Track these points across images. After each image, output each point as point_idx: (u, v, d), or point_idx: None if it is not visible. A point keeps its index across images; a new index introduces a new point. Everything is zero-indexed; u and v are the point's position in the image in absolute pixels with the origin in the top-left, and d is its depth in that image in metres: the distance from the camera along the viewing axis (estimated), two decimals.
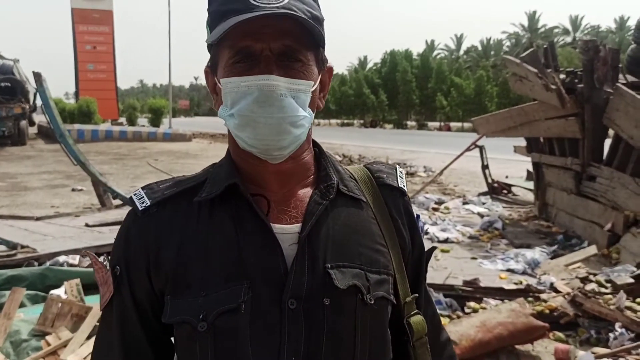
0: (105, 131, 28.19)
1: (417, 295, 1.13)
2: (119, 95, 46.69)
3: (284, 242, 1.00)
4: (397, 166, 1.21)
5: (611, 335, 4.21)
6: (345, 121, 54.57)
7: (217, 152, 22.28)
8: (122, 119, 41.58)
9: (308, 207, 1.03)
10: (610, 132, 6.94)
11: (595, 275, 5.19)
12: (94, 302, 4.77)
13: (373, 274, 1.03)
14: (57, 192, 12.43)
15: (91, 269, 5.88)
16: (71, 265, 6.08)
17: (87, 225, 7.92)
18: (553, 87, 7.01)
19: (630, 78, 7.21)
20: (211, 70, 1.06)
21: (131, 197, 1.07)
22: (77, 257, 6.31)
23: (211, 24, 1.00)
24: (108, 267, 1.07)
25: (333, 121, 55.12)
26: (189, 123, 48.95)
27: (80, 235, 7.32)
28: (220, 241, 1.00)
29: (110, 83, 40.87)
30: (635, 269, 5.21)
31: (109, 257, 1.09)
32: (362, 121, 51.56)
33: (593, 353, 3.86)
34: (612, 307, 4.43)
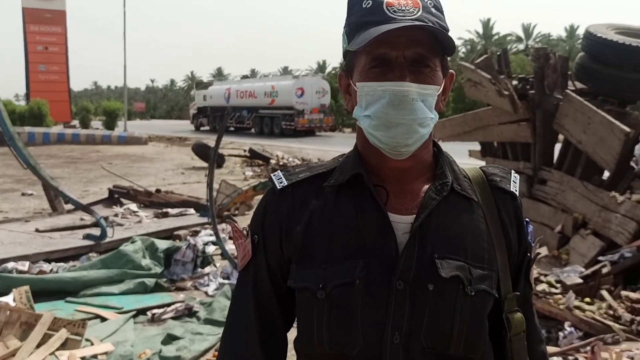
0: (57, 134, 27.38)
1: (518, 293, 1.20)
2: (71, 97, 45.48)
3: (398, 230, 1.12)
4: (513, 171, 1.27)
5: (561, 334, 4.33)
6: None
7: (174, 155, 21.93)
8: (75, 122, 40.36)
9: (423, 201, 1.14)
10: (560, 136, 7.15)
11: (546, 276, 5.33)
12: (43, 309, 4.63)
13: (476, 269, 1.13)
14: (6, 197, 12.01)
15: (40, 276, 5.71)
16: (20, 272, 5.90)
17: (37, 230, 7.70)
18: (506, 92, 7.19)
19: (579, 85, 7.45)
20: (346, 74, 1.19)
21: (271, 177, 1.23)
22: (27, 263, 6.13)
23: (350, 34, 1.14)
24: (247, 235, 1.23)
25: None
26: (145, 126, 47.97)
27: (30, 241, 7.10)
28: (342, 222, 1.14)
29: (62, 85, 39.73)
30: (583, 269, 5.38)
31: (248, 227, 1.25)
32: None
33: None
34: (561, 306, 4.56)
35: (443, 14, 1.14)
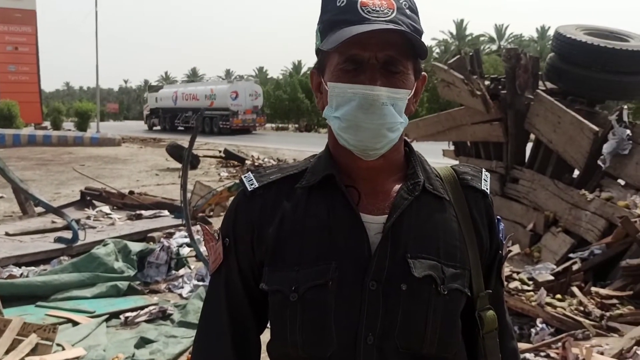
0: (27, 136, 26.83)
1: (491, 291, 1.20)
2: (43, 98, 44.78)
3: (370, 231, 1.12)
4: (483, 170, 1.28)
5: (533, 330, 4.39)
6: (280, 125, 54.43)
7: (148, 156, 21.69)
8: (47, 123, 39.64)
9: (395, 201, 1.14)
10: (532, 136, 7.25)
11: (518, 273, 5.40)
12: (13, 314, 4.54)
13: (449, 268, 1.13)
14: None
15: (10, 281, 5.59)
16: None
17: (7, 234, 7.54)
18: (478, 93, 7.26)
19: (550, 85, 7.57)
20: (318, 71, 1.18)
21: (242, 178, 1.23)
22: None
23: (323, 31, 1.12)
24: (218, 238, 1.22)
25: (268, 125, 54.84)
26: (119, 127, 47.56)
27: None
28: (314, 224, 1.13)
29: (33, 85, 39.02)
30: (554, 266, 5.47)
31: (219, 230, 1.25)
32: (297, 125, 51.55)
33: None
34: (533, 303, 4.63)
35: (418, 16, 1.13)
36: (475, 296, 1.18)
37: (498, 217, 1.26)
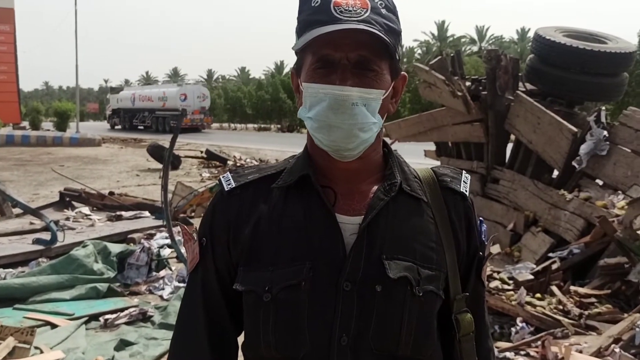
0: (5, 136, 26.48)
1: (468, 294, 1.19)
2: (21, 97, 44.12)
3: (345, 231, 1.11)
4: (464, 172, 1.27)
5: (513, 329, 4.42)
6: (262, 126, 54.28)
7: (129, 157, 21.49)
8: (25, 123, 39.14)
9: (371, 202, 1.13)
10: (512, 136, 7.31)
11: (498, 273, 5.44)
12: None
13: (425, 269, 1.12)
14: None
15: None
16: None
17: None
18: (459, 93, 7.29)
19: (529, 86, 7.63)
20: (296, 72, 1.17)
21: (220, 179, 1.22)
22: None
23: (298, 32, 1.12)
24: (196, 238, 1.22)
25: (250, 125, 54.62)
26: (99, 127, 47.19)
27: None
28: (290, 224, 1.13)
29: (11, 85, 38.42)
30: (534, 266, 5.52)
31: (197, 229, 1.25)
32: (279, 126, 51.47)
33: (496, 347, 4.04)
34: (513, 303, 4.66)
35: (396, 15, 1.12)
36: (452, 299, 1.17)
37: (480, 218, 1.25)
